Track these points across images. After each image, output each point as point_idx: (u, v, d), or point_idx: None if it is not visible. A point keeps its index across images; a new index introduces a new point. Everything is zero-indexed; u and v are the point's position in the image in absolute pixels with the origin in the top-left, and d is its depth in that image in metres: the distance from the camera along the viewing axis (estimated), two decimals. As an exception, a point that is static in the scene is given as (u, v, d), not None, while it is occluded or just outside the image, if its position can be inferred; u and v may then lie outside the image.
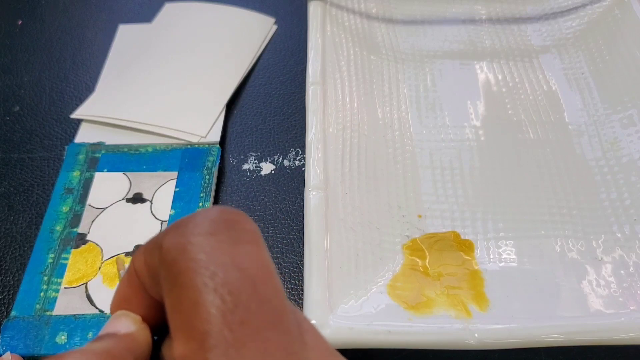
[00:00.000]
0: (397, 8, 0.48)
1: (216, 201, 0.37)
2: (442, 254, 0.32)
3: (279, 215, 0.37)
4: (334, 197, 0.32)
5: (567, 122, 0.40)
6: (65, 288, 0.32)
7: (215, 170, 0.37)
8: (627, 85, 0.40)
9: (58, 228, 0.34)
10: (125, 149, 0.39)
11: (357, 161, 0.36)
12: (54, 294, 0.31)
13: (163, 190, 0.36)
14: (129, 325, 0.16)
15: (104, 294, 0.32)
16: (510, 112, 0.40)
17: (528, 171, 0.37)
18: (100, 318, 0.31)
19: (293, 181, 0.38)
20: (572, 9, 0.47)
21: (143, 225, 0.35)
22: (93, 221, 0.35)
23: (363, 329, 0.26)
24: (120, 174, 0.37)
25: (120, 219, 0.35)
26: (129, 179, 0.37)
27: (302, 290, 0.30)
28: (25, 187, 0.38)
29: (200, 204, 0.35)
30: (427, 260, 0.32)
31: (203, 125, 0.40)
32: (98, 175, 0.37)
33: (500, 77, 0.43)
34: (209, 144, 0.39)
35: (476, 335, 0.26)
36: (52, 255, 0.33)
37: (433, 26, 0.47)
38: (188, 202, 0.36)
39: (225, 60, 0.46)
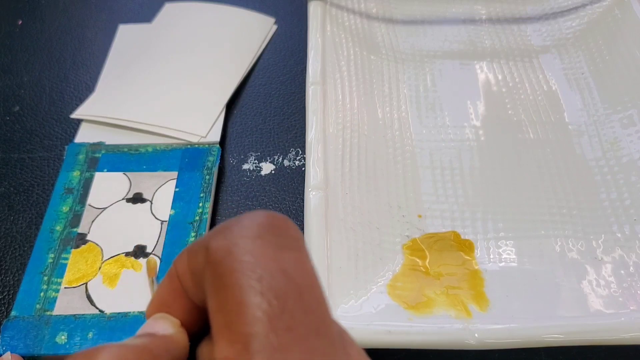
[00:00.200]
0: (397, 8, 0.48)
1: (216, 201, 0.37)
2: (442, 254, 0.32)
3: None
4: (334, 197, 0.32)
5: (567, 122, 0.40)
6: (65, 288, 0.32)
7: (215, 170, 0.37)
8: (627, 85, 0.40)
9: (58, 228, 0.34)
10: (125, 149, 0.39)
11: (357, 161, 0.36)
12: (54, 294, 0.31)
13: (163, 190, 0.36)
14: (167, 327, 0.16)
15: (104, 294, 0.32)
16: (510, 112, 0.40)
17: (528, 171, 0.37)
18: (100, 318, 0.31)
19: (293, 181, 0.38)
20: (572, 9, 0.47)
21: (143, 225, 0.35)
22: (93, 221, 0.35)
23: (363, 329, 0.26)
24: (120, 174, 0.37)
25: (120, 219, 0.35)
26: (129, 179, 0.37)
27: (302, 290, 0.30)
28: (25, 187, 0.38)
29: (200, 204, 0.35)
30: (427, 260, 0.32)
31: (203, 125, 0.40)
32: (98, 175, 0.37)
33: (500, 77, 0.43)
34: (209, 144, 0.39)
35: (476, 335, 0.26)
36: (52, 255, 0.33)
37: (433, 26, 0.47)
38: (188, 202, 0.36)
39: (225, 60, 0.46)
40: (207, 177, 0.37)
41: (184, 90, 0.43)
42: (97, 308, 0.31)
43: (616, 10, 0.44)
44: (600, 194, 0.35)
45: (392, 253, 0.32)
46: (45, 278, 0.32)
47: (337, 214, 0.32)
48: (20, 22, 0.51)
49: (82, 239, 0.34)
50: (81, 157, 0.38)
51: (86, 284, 0.32)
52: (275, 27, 0.50)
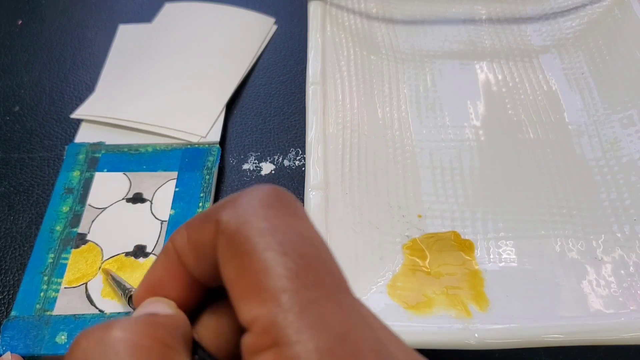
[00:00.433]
0: (397, 8, 0.48)
1: (216, 201, 0.37)
2: (442, 254, 0.32)
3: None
4: (334, 197, 0.32)
5: (567, 122, 0.40)
6: (65, 288, 0.32)
7: (215, 170, 0.37)
8: (627, 85, 0.40)
9: (58, 228, 0.34)
10: (125, 149, 0.39)
11: (357, 161, 0.36)
12: (54, 294, 0.31)
13: (163, 190, 0.36)
14: (165, 308, 0.16)
15: (104, 294, 0.32)
16: (510, 112, 0.40)
17: (528, 171, 0.37)
18: (100, 318, 0.31)
19: (293, 181, 0.38)
20: (572, 9, 0.47)
21: (143, 225, 0.35)
22: (93, 221, 0.35)
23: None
24: (120, 174, 0.37)
25: (120, 219, 0.35)
26: (129, 179, 0.37)
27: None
28: (25, 187, 0.38)
29: (200, 204, 0.35)
30: (427, 260, 0.32)
31: (203, 125, 0.40)
32: (98, 175, 0.37)
33: (500, 77, 0.43)
34: (209, 144, 0.39)
35: (476, 335, 0.26)
36: (52, 255, 0.33)
37: (433, 26, 0.47)
38: (188, 202, 0.36)
39: (225, 60, 0.46)
40: (207, 177, 0.37)
41: (184, 90, 0.43)
42: (97, 308, 0.31)
43: (616, 10, 0.44)
44: (600, 194, 0.35)
45: (392, 253, 0.32)
46: (45, 278, 0.32)
47: (337, 214, 0.32)
48: (20, 22, 0.51)
49: (82, 239, 0.34)
50: (81, 157, 0.38)
51: (86, 284, 0.32)
52: (275, 27, 0.50)
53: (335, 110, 0.38)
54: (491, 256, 0.32)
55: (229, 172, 0.39)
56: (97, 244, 0.34)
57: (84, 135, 0.40)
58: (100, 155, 0.38)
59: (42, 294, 0.31)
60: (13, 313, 0.31)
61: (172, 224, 0.35)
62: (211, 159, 0.38)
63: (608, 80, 0.41)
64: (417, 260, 0.32)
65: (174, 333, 0.14)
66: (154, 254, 0.33)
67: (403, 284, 0.30)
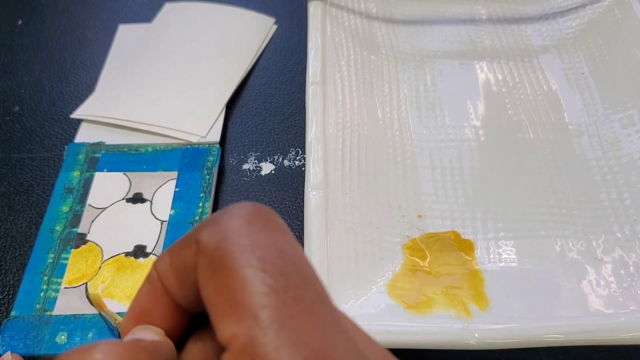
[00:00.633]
0: (397, 8, 0.48)
1: (216, 201, 0.37)
2: (442, 254, 0.32)
3: (279, 215, 0.36)
4: (334, 197, 0.32)
5: (567, 122, 0.40)
6: (65, 288, 0.32)
7: (215, 170, 0.37)
8: (627, 85, 0.40)
9: (58, 228, 0.34)
10: (125, 149, 0.39)
11: (357, 161, 0.36)
12: (54, 294, 0.31)
13: (163, 190, 0.36)
14: (152, 335, 0.15)
15: (104, 294, 0.32)
16: (510, 112, 0.40)
17: (528, 171, 0.37)
18: (100, 318, 0.30)
19: (293, 181, 0.38)
20: (572, 9, 0.47)
21: (143, 225, 0.35)
22: (93, 221, 0.35)
23: (363, 329, 0.26)
24: (120, 174, 0.37)
25: (120, 219, 0.35)
26: (129, 179, 0.37)
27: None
28: (25, 187, 0.38)
29: (200, 204, 0.35)
30: (427, 260, 0.32)
31: (203, 125, 0.40)
32: (98, 175, 0.37)
33: (500, 77, 0.43)
34: (209, 144, 0.39)
35: (476, 335, 0.26)
36: (52, 255, 0.33)
37: (433, 26, 0.47)
38: (188, 202, 0.36)
39: (225, 60, 0.46)
40: (207, 177, 0.37)
41: (184, 90, 0.43)
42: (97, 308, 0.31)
43: (616, 10, 0.44)
44: (600, 194, 0.35)
45: (392, 253, 0.32)
46: (45, 278, 0.32)
47: (337, 214, 0.32)
48: (20, 22, 0.51)
49: (82, 239, 0.34)
50: (81, 157, 0.38)
51: (86, 284, 0.32)
52: (275, 27, 0.50)
53: (335, 110, 0.38)
54: (491, 256, 0.32)
55: (229, 172, 0.39)
56: (97, 244, 0.34)
57: (84, 135, 0.40)
58: (100, 155, 0.38)
59: (42, 294, 0.31)
60: (13, 313, 0.31)
61: (172, 224, 0.35)
62: (211, 159, 0.38)
63: (608, 80, 0.41)
64: (417, 260, 0.32)
65: (157, 358, 0.14)
66: (154, 254, 0.33)
67: (403, 284, 0.30)
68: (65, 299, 0.31)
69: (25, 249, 0.35)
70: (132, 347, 0.14)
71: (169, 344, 0.16)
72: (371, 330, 0.26)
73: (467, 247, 0.33)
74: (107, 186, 0.37)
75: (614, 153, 0.37)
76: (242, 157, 0.40)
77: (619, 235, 0.33)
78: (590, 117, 0.40)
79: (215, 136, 0.40)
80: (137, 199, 0.36)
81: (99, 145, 0.39)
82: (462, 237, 0.33)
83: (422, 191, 0.36)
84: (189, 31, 0.48)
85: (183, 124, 0.40)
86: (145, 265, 0.33)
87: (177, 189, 0.36)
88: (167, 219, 0.35)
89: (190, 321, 0.16)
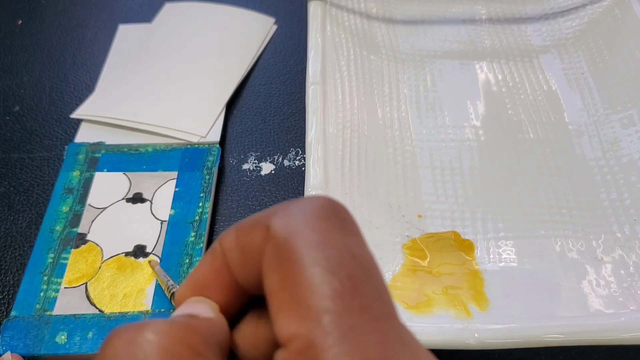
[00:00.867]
0: (397, 8, 0.48)
1: (216, 201, 0.37)
2: (442, 253, 0.32)
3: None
4: (334, 197, 0.32)
5: (567, 122, 0.40)
6: (65, 288, 0.32)
7: (215, 170, 0.37)
8: (627, 85, 0.40)
9: (58, 228, 0.34)
10: (125, 149, 0.39)
11: (357, 161, 0.36)
12: (54, 293, 0.31)
13: (163, 190, 0.36)
14: (207, 310, 0.15)
15: (104, 294, 0.32)
16: (510, 112, 0.40)
17: (528, 171, 0.37)
18: (100, 318, 0.31)
19: (293, 181, 0.38)
20: (572, 9, 0.47)
21: (143, 225, 0.35)
22: (93, 221, 0.35)
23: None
24: (120, 173, 0.37)
25: (120, 219, 0.35)
26: (129, 179, 0.37)
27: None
28: (25, 187, 0.38)
29: (200, 204, 0.35)
30: (427, 260, 0.32)
31: (203, 125, 0.40)
32: (98, 175, 0.37)
33: (500, 77, 0.43)
34: (209, 144, 0.39)
35: (476, 335, 0.26)
36: (52, 255, 0.33)
37: (433, 26, 0.47)
38: (188, 202, 0.36)
39: (225, 60, 0.46)
40: (207, 177, 0.37)
41: (184, 90, 0.43)
42: (97, 308, 0.31)
43: (616, 10, 0.44)
44: (600, 194, 0.35)
45: (392, 253, 0.32)
46: (45, 278, 0.32)
47: (337, 214, 0.32)
48: (20, 22, 0.51)
49: (82, 239, 0.34)
50: (81, 157, 0.38)
51: (86, 284, 0.32)
52: (275, 27, 0.50)
53: (335, 110, 0.38)
54: (491, 256, 0.32)
55: (229, 172, 0.39)
56: (97, 244, 0.34)
57: (84, 135, 0.40)
58: (100, 155, 0.38)
59: (42, 294, 0.31)
60: (13, 313, 0.31)
61: (172, 224, 0.35)
62: (211, 159, 0.38)
63: (608, 80, 0.41)
64: (417, 260, 0.32)
65: (209, 340, 0.14)
66: (154, 254, 0.33)
67: (403, 284, 0.30)
68: (65, 298, 0.31)
69: (25, 249, 0.35)
70: (186, 328, 0.13)
71: (223, 323, 0.15)
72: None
73: (467, 247, 0.33)
74: (107, 186, 0.37)
75: (614, 153, 0.37)
76: (242, 157, 0.40)
77: (619, 235, 0.33)
78: (590, 117, 0.40)
79: (215, 136, 0.40)
80: (137, 199, 0.36)
81: (99, 145, 0.39)
82: (462, 237, 0.33)
83: (422, 191, 0.36)
84: (189, 31, 0.48)
85: (183, 124, 0.40)
86: (145, 265, 0.33)
87: (177, 189, 0.36)
88: (167, 218, 0.35)
89: (246, 301, 0.16)
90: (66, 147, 0.39)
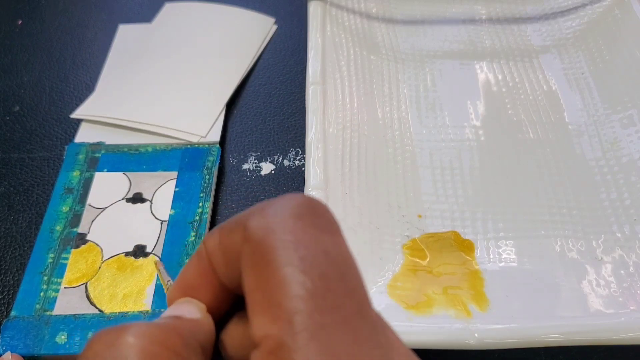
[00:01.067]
0: (397, 8, 0.48)
1: (216, 201, 0.37)
2: (442, 253, 0.32)
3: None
4: (334, 197, 0.32)
5: (567, 122, 0.40)
6: (65, 288, 0.32)
7: (215, 170, 0.37)
8: (627, 85, 0.40)
9: (58, 228, 0.34)
10: (125, 149, 0.39)
11: (357, 161, 0.36)
12: (54, 293, 0.31)
13: (163, 190, 0.36)
14: (193, 311, 0.15)
15: (104, 294, 0.32)
16: (510, 112, 0.40)
17: (528, 171, 0.37)
18: (100, 318, 0.31)
19: (293, 181, 0.38)
20: (572, 9, 0.47)
21: (143, 225, 0.35)
22: (93, 221, 0.35)
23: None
24: (120, 173, 0.37)
25: (120, 218, 0.35)
26: (129, 178, 0.37)
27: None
28: (25, 187, 0.38)
29: (200, 204, 0.35)
30: (427, 260, 0.32)
31: (203, 125, 0.40)
32: (98, 175, 0.37)
33: (500, 77, 0.43)
34: (209, 143, 0.39)
35: (476, 335, 0.26)
36: (52, 255, 0.33)
37: (433, 26, 0.47)
38: (188, 202, 0.36)
39: (225, 60, 0.46)
40: (207, 177, 0.37)
41: (184, 90, 0.43)
42: (97, 308, 0.31)
43: (616, 10, 0.44)
44: (600, 194, 0.35)
45: (392, 253, 0.32)
46: (45, 278, 0.32)
47: (337, 214, 0.32)
48: (20, 22, 0.51)
49: (82, 239, 0.34)
50: (81, 157, 0.38)
51: (86, 284, 0.32)
52: (275, 27, 0.50)
53: (335, 110, 0.38)
54: (491, 256, 0.32)
55: (229, 172, 0.39)
56: (97, 244, 0.34)
57: (84, 135, 0.40)
58: (100, 155, 0.38)
59: (42, 294, 0.31)
60: (13, 313, 0.31)
61: (172, 224, 0.35)
62: (211, 159, 0.38)
63: (608, 80, 0.41)
64: (417, 260, 0.32)
65: (190, 341, 0.14)
66: (154, 254, 0.33)
67: (403, 284, 0.30)
68: (65, 298, 0.31)
69: (25, 249, 0.35)
70: (166, 331, 0.14)
71: (209, 323, 0.15)
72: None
73: (467, 247, 0.33)
74: (107, 186, 0.37)
75: (614, 153, 0.37)
76: (242, 157, 0.40)
77: (619, 235, 0.33)
78: (590, 117, 0.40)
79: (215, 136, 0.40)
80: (137, 199, 0.36)
81: (99, 145, 0.39)
82: (462, 237, 0.33)
83: (422, 191, 0.36)
84: (189, 31, 0.48)
85: (183, 124, 0.40)
86: (145, 265, 0.33)
87: (177, 189, 0.36)
88: (167, 218, 0.35)
89: (233, 302, 0.16)
90: (66, 147, 0.39)
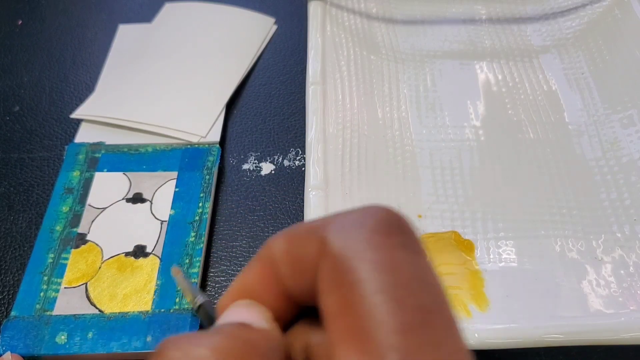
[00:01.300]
0: (397, 8, 0.48)
1: (216, 201, 0.37)
2: (442, 253, 0.32)
3: (279, 215, 0.37)
4: (334, 197, 0.32)
5: (567, 122, 0.40)
6: (65, 288, 0.32)
7: (215, 170, 0.37)
8: (627, 85, 0.40)
9: (58, 228, 0.34)
10: (125, 149, 0.39)
11: (357, 161, 0.36)
12: (54, 294, 0.31)
13: (163, 190, 0.36)
14: (259, 319, 0.14)
15: (104, 294, 0.32)
16: (510, 112, 0.40)
17: (528, 171, 0.37)
18: (100, 318, 0.31)
19: (293, 181, 0.38)
20: (572, 9, 0.47)
21: (143, 225, 0.35)
22: (93, 221, 0.35)
23: None
24: (120, 174, 0.37)
25: (120, 219, 0.35)
26: (129, 179, 0.37)
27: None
28: (25, 187, 0.38)
29: (200, 204, 0.35)
30: (427, 260, 0.32)
31: (203, 125, 0.40)
32: (98, 175, 0.37)
33: (500, 77, 0.43)
34: (209, 144, 0.39)
35: (476, 335, 0.26)
36: (52, 255, 0.33)
37: (433, 26, 0.47)
38: (188, 202, 0.36)
39: (225, 60, 0.46)
40: (207, 177, 0.37)
41: (184, 90, 0.43)
42: (97, 308, 0.31)
43: (616, 10, 0.44)
44: (600, 194, 0.35)
45: (392, 253, 0.32)
46: (45, 278, 0.32)
47: (337, 214, 0.32)
48: (20, 22, 0.51)
49: (82, 239, 0.34)
50: (81, 157, 0.38)
51: (86, 284, 0.32)
52: (275, 27, 0.50)
53: (335, 110, 0.38)
54: (491, 256, 0.32)
55: (229, 172, 0.39)
56: (97, 244, 0.34)
57: (84, 135, 0.40)
58: (100, 155, 0.38)
59: (42, 294, 0.31)
60: (13, 313, 0.31)
61: (172, 224, 0.35)
62: (211, 159, 0.38)
63: (608, 80, 0.41)
64: (417, 260, 0.32)
65: (269, 357, 0.13)
66: (154, 254, 0.33)
67: (403, 284, 0.30)
68: (65, 299, 0.31)
69: (25, 249, 0.35)
70: (243, 345, 0.12)
71: (278, 336, 0.14)
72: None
73: (467, 247, 0.33)
74: (107, 186, 0.37)
75: (614, 153, 0.37)
76: (242, 157, 0.40)
77: (619, 235, 0.33)
78: (590, 117, 0.40)
79: (215, 136, 0.40)
80: (137, 199, 0.36)
81: (99, 145, 0.39)
82: (462, 237, 0.33)
83: (422, 191, 0.36)
84: (189, 31, 0.48)
85: (183, 124, 0.40)
86: (144, 265, 0.33)
87: (177, 189, 0.36)
88: (167, 219, 0.35)
89: (296, 312, 0.15)
90: (66, 147, 0.39)
